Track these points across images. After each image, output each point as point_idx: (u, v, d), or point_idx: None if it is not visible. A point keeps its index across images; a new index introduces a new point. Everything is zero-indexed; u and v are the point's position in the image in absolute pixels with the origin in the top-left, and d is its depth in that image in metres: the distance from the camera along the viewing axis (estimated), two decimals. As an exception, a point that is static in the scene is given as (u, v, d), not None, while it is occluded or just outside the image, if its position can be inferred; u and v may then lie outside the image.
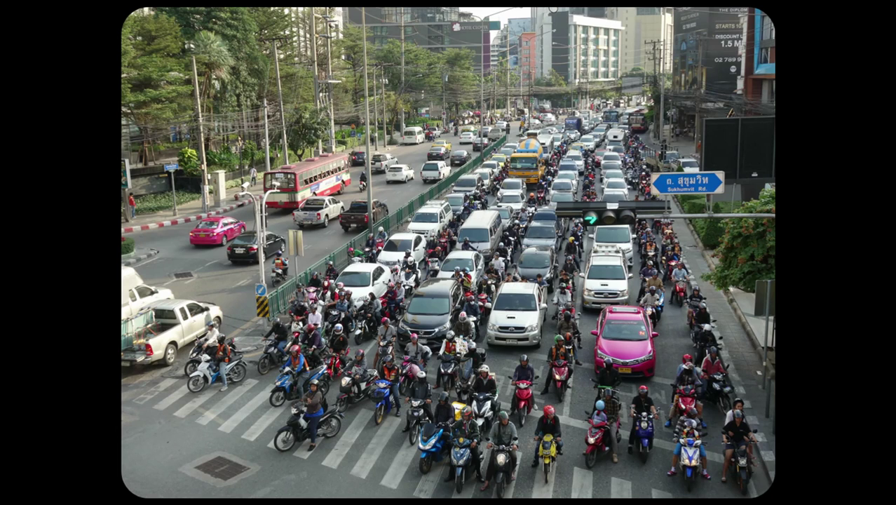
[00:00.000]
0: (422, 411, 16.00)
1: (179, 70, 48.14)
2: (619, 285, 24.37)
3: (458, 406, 15.62)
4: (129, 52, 43.01)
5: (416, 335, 19.50)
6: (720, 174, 16.76)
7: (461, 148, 72.03)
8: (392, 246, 30.18)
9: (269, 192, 31.55)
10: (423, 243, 31.21)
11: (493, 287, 24.34)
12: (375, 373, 18.11)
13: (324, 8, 75.75)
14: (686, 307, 23.52)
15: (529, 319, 21.11)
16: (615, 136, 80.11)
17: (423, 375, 17.04)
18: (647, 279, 24.63)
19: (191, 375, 18.98)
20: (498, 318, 21.30)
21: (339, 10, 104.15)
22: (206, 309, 22.76)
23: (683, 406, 15.41)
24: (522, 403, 16.69)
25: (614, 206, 17.28)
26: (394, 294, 24.17)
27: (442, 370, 18.39)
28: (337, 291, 23.48)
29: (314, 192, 43.98)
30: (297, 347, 18.58)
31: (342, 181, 50.07)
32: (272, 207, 40.66)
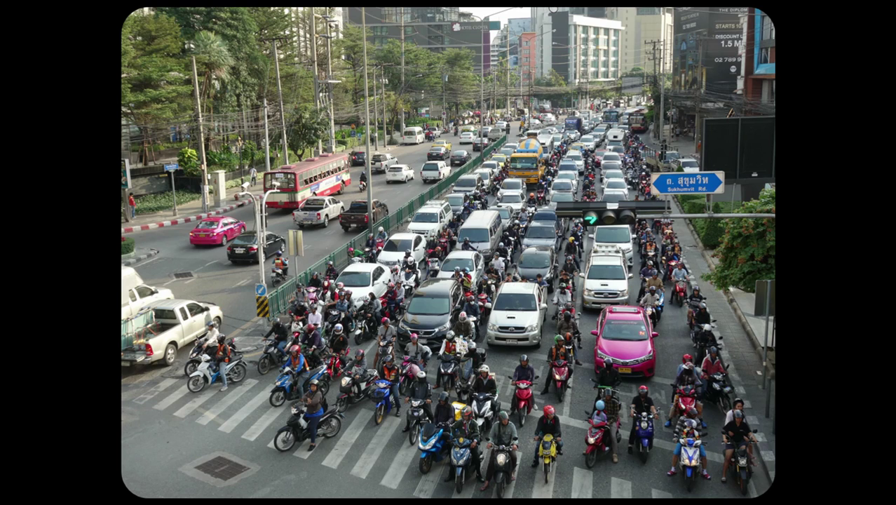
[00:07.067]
0: (422, 411, 16.00)
1: (179, 70, 48.16)
2: (619, 285, 24.37)
3: (458, 406, 15.61)
4: (129, 52, 43.03)
5: (416, 335, 19.51)
6: (720, 174, 16.76)
7: (461, 148, 72.02)
8: (392, 246, 30.18)
9: (269, 192, 31.57)
10: (423, 243, 31.21)
11: (493, 287, 24.33)
12: (375, 373, 18.11)
13: (324, 8, 75.73)
14: (686, 307, 23.53)
15: (529, 319, 21.11)
16: (615, 136, 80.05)
17: (423, 375, 17.03)
18: (647, 279, 24.62)
19: (191, 375, 18.99)
20: (498, 318, 21.30)
21: (339, 10, 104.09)
22: (206, 309, 22.76)
23: (683, 406, 15.40)
24: (522, 403, 16.69)
25: (614, 206, 17.28)
26: (394, 294, 24.17)
27: (442, 370, 18.38)
28: (337, 291, 23.48)
29: (314, 192, 43.98)
30: (297, 347, 18.58)
31: (342, 181, 50.08)
32: (272, 207, 40.67)
